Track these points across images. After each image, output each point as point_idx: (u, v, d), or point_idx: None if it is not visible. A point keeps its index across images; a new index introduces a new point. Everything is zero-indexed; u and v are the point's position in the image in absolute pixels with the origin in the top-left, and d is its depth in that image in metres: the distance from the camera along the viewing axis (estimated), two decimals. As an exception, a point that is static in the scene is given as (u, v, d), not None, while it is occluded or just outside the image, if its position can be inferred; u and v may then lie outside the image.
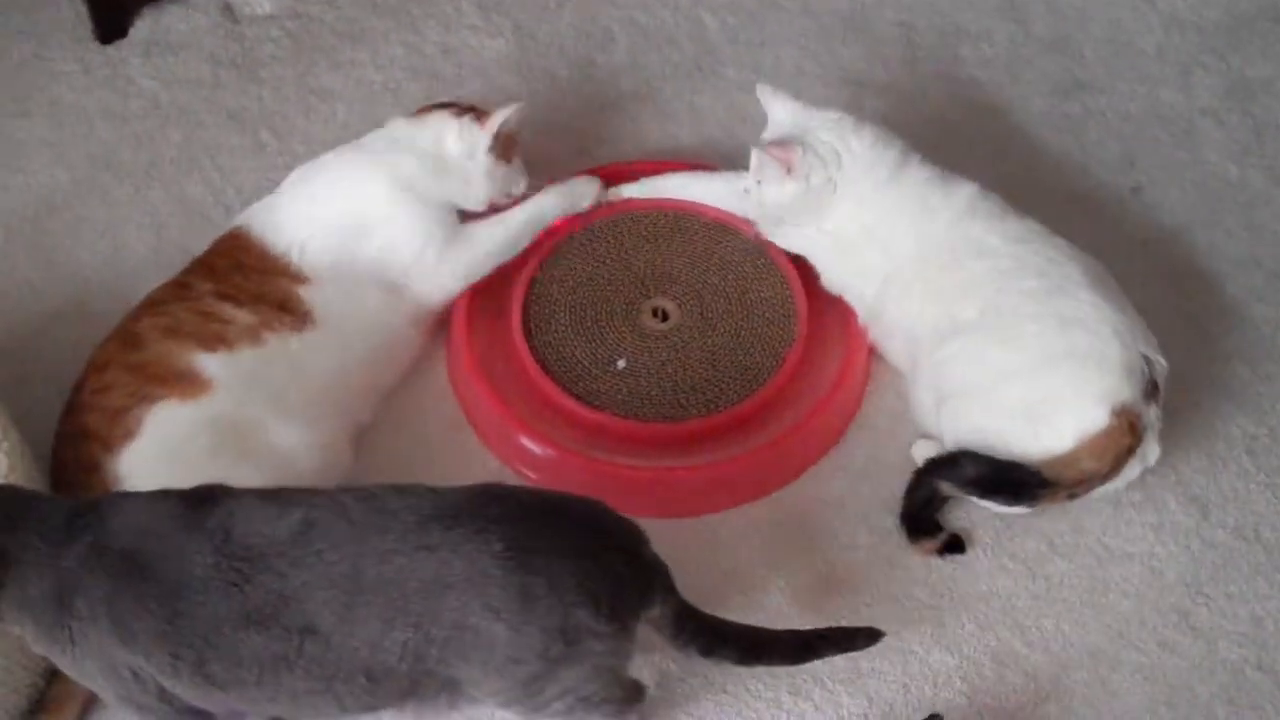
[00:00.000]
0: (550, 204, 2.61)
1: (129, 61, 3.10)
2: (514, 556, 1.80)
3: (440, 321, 2.57)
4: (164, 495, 1.89)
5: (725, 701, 2.21)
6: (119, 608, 1.82)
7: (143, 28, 3.17)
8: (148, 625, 1.82)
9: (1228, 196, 2.91)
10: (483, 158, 2.53)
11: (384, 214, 2.48)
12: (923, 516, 2.36)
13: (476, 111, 2.58)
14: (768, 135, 2.55)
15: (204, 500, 1.88)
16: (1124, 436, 2.26)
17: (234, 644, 1.81)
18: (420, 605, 1.80)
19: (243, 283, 2.38)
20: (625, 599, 1.88)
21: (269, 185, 2.60)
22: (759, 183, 2.49)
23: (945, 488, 2.34)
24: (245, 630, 1.80)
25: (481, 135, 2.53)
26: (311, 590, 1.81)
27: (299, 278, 2.40)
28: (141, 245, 2.75)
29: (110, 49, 3.13)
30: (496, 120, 2.54)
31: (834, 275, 2.56)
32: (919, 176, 2.49)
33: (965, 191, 2.47)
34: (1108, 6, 3.26)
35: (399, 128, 2.58)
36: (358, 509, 1.85)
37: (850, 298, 2.55)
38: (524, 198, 2.61)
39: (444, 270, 2.50)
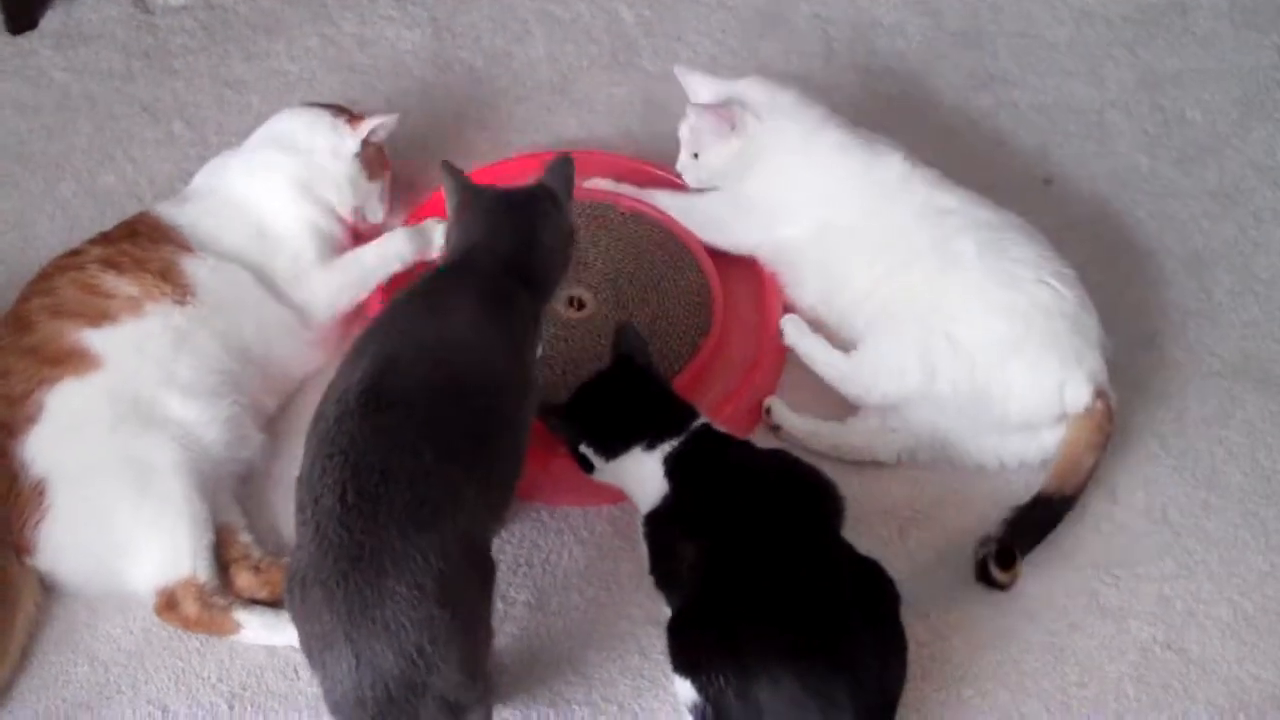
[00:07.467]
0: (402, 244, 2.54)
1: (40, 53, 3.08)
2: None
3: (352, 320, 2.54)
4: None
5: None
6: None
7: (54, 19, 3.15)
8: None
9: (1137, 187, 2.95)
10: (348, 161, 2.53)
11: (276, 211, 2.49)
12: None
13: (351, 115, 2.57)
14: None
15: None
16: (1106, 421, 2.37)
17: None
18: None
19: (130, 248, 2.37)
20: None
21: (182, 176, 2.59)
22: (695, 156, 2.60)
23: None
24: None
25: (350, 138, 2.53)
26: None
27: (186, 246, 2.40)
28: (53, 237, 2.72)
29: (21, 40, 3.11)
30: (368, 125, 2.54)
31: (745, 232, 2.63)
32: (841, 138, 2.58)
33: (898, 155, 2.57)
34: (1020, 0, 3.31)
35: (282, 120, 2.58)
36: None
37: (765, 254, 2.62)
38: (376, 232, 2.58)
39: (316, 280, 2.48)
